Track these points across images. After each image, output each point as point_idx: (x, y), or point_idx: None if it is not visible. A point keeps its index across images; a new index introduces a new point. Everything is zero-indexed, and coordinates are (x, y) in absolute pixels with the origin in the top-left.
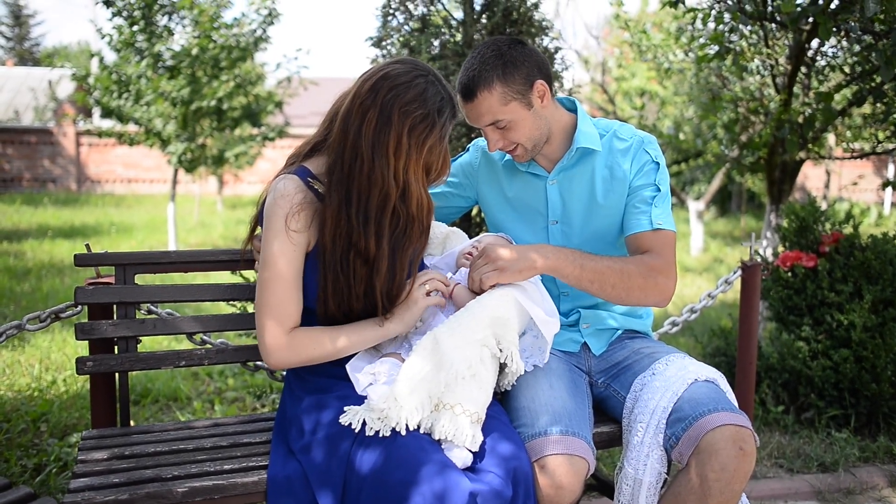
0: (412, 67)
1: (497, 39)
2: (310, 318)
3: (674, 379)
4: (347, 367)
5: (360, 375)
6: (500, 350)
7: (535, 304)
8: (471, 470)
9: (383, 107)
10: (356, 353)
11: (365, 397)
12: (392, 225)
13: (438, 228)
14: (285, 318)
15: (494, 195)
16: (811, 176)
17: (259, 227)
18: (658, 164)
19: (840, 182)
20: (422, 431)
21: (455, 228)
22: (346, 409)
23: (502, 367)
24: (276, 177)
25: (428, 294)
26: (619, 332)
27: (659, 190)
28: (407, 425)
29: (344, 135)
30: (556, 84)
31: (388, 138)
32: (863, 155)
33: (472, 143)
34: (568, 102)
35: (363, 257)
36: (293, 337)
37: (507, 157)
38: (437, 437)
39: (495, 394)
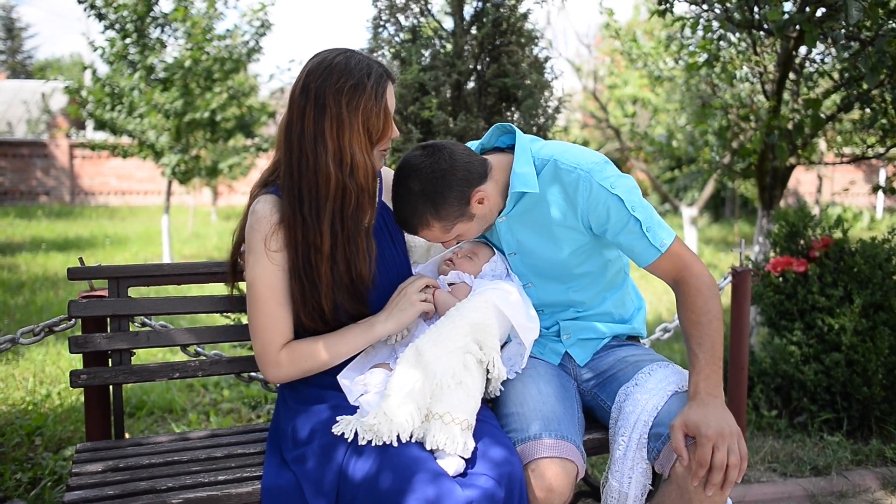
0: (327, 54)
1: (416, 170)
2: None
3: (654, 391)
4: (339, 377)
5: (352, 385)
6: (483, 355)
7: (515, 310)
8: (462, 475)
9: (317, 98)
10: (347, 364)
11: (357, 407)
12: (346, 204)
13: None
14: (277, 336)
15: None
16: (804, 181)
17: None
18: (617, 195)
19: (832, 187)
20: (413, 441)
21: None
22: (338, 418)
23: (487, 373)
24: (252, 196)
25: (424, 300)
26: (606, 339)
27: (639, 218)
28: (399, 437)
29: (289, 143)
30: (546, 92)
31: (326, 121)
32: (853, 160)
33: None
34: (509, 128)
35: (321, 252)
36: (286, 352)
37: None
38: (429, 447)
39: (485, 400)
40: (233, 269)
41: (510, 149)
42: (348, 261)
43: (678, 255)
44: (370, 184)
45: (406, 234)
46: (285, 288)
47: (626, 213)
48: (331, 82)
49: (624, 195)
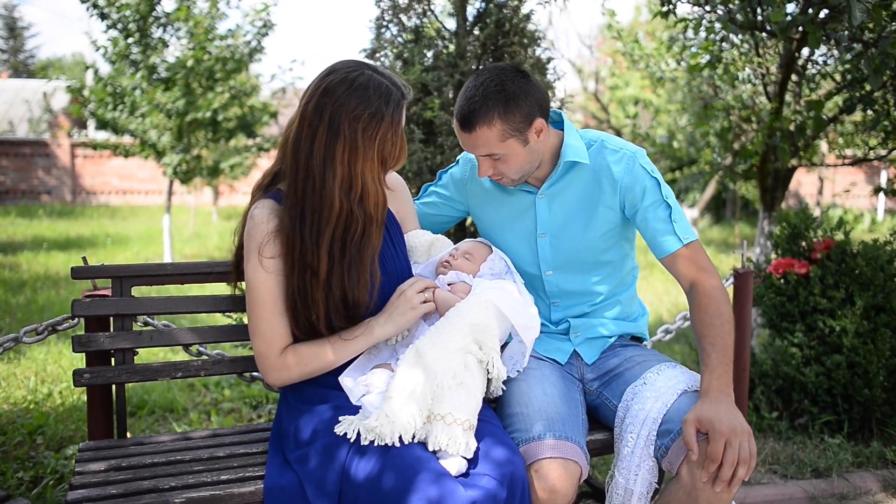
0: (346, 72)
1: (501, 70)
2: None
3: (664, 389)
4: (340, 378)
5: (354, 386)
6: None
7: (515, 309)
8: (464, 475)
9: (332, 121)
10: (349, 364)
11: (359, 407)
12: (351, 231)
13: (424, 237)
14: (275, 341)
15: (485, 207)
16: (805, 183)
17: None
18: (656, 178)
19: (833, 188)
20: (416, 441)
21: (440, 236)
22: (341, 419)
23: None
24: (253, 199)
25: (424, 302)
26: (613, 339)
27: (670, 206)
28: (401, 438)
29: (296, 160)
30: (549, 94)
31: (339, 146)
32: (855, 161)
33: (462, 155)
34: (555, 115)
35: (317, 276)
36: (286, 357)
37: None
38: (431, 448)
39: (489, 400)
40: (236, 270)
41: None
42: (344, 288)
43: (697, 255)
44: (379, 213)
45: (406, 235)
46: (282, 294)
47: (660, 197)
48: (348, 108)
49: (660, 181)
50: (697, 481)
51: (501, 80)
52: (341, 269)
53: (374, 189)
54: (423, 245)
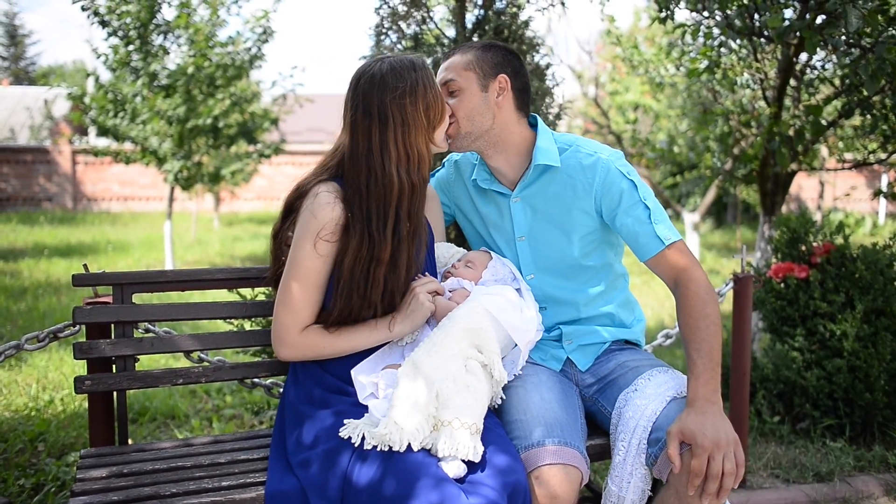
0: (371, 70)
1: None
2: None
3: (653, 396)
4: (352, 372)
5: (365, 380)
6: (484, 359)
7: (507, 313)
8: (468, 483)
9: (381, 114)
10: (360, 358)
11: (363, 410)
12: (415, 200)
13: (449, 250)
14: (300, 319)
15: (470, 210)
16: (806, 187)
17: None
18: (632, 180)
19: (834, 192)
20: (422, 448)
21: (462, 249)
22: (345, 422)
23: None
24: (298, 190)
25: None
26: (607, 344)
27: (649, 207)
28: (409, 445)
29: (356, 167)
30: (548, 99)
31: (390, 131)
32: (854, 165)
33: (446, 158)
34: (531, 119)
35: (383, 262)
36: (304, 336)
37: (475, 175)
38: (441, 455)
39: (489, 408)
40: (275, 275)
41: None
42: (409, 258)
43: (681, 256)
44: (427, 172)
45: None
46: (323, 276)
47: (638, 198)
48: (390, 93)
49: (638, 183)
50: (688, 490)
51: (496, 43)
52: (408, 241)
53: (426, 153)
54: (445, 258)
